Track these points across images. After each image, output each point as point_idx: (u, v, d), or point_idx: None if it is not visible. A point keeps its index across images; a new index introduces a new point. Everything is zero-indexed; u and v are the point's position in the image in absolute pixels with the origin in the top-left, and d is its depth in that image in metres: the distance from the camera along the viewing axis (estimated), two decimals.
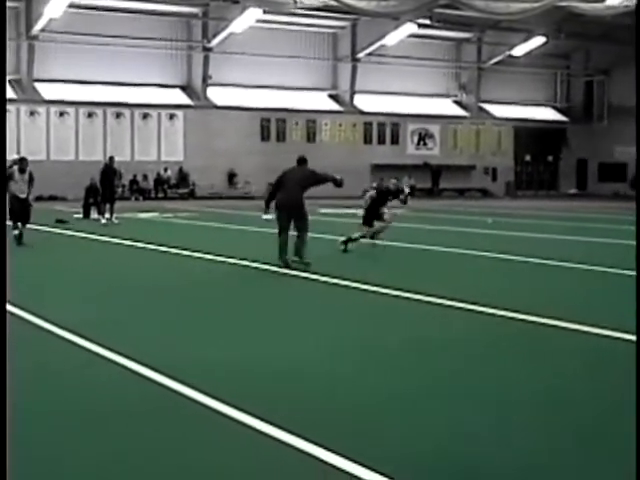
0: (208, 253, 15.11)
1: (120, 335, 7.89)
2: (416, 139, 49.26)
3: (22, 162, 17.56)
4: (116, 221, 23.12)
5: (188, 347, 7.39)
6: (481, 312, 9.27)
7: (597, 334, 7.99)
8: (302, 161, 14.25)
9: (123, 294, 10.58)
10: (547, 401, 5.85)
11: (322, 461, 4.52)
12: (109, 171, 23.68)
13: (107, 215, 23.24)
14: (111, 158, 24.51)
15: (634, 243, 16.22)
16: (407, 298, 10.24)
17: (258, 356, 7.04)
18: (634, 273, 11.81)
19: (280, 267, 12.78)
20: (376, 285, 11.06)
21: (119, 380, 6.22)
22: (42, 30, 39.94)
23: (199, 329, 8.35)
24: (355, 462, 4.45)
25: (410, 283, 11.30)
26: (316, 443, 4.75)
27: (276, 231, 13.35)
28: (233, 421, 5.22)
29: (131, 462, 4.53)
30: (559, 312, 9.02)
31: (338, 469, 4.41)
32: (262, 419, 5.15)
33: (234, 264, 13.72)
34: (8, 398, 4.76)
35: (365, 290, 10.86)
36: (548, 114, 53.72)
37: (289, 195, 13.27)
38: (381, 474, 4.30)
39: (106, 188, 23.34)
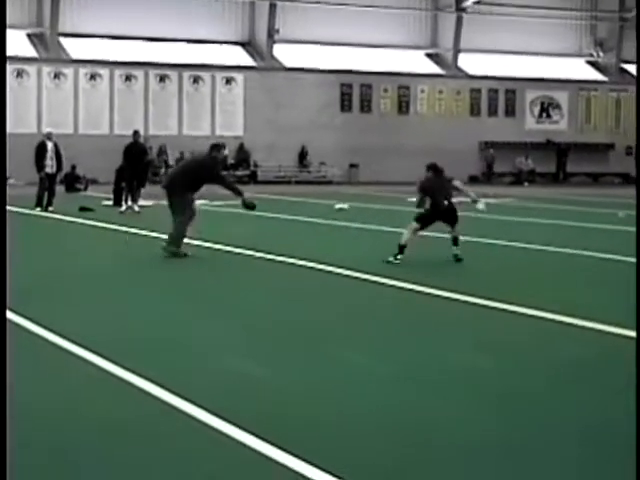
0: (269, 252, 15.16)
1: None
2: (537, 110, 49.66)
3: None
4: (137, 209, 24.01)
5: None
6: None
7: None
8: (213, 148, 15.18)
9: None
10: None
11: None
12: (134, 149, 24.67)
13: (129, 202, 24.40)
14: (136, 132, 25.55)
15: None
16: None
17: None
18: None
19: None
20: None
21: None
22: None
23: None
24: None
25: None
26: None
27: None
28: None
29: None
30: None
31: None
32: None
33: (291, 263, 14.14)
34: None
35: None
36: None
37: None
38: None
39: (132, 170, 24.44)
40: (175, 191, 14.71)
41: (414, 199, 14.91)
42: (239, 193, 14.75)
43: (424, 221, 14.28)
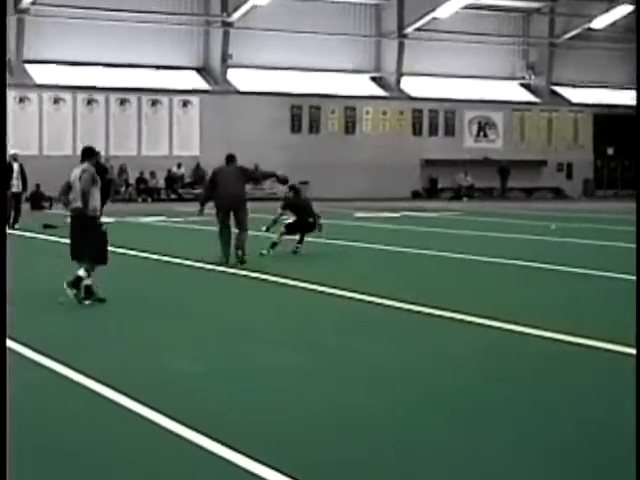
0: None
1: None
2: (475, 130, 50.24)
3: None
4: None
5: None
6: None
7: None
8: (231, 159, 16.54)
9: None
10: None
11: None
12: (96, 168, 24.92)
13: None
14: (97, 153, 25.63)
15: None
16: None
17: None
18: None
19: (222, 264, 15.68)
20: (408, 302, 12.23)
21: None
22: (33, 3, 41.24)
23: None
24: None
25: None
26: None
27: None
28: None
29: None
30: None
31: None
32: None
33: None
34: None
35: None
36: (635, 98, 53.31)
37: (229, 191, 15.92)
38: None
39: None
40: (243, 204, 16.00)
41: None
42: (274, 174, 17.70)
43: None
